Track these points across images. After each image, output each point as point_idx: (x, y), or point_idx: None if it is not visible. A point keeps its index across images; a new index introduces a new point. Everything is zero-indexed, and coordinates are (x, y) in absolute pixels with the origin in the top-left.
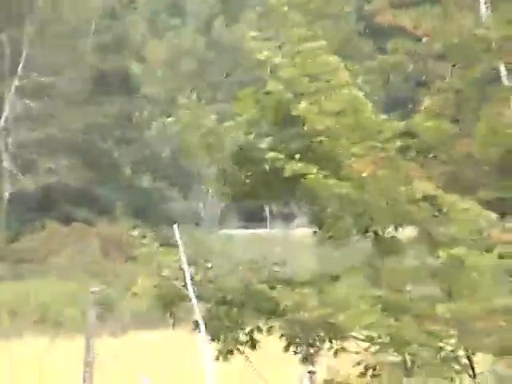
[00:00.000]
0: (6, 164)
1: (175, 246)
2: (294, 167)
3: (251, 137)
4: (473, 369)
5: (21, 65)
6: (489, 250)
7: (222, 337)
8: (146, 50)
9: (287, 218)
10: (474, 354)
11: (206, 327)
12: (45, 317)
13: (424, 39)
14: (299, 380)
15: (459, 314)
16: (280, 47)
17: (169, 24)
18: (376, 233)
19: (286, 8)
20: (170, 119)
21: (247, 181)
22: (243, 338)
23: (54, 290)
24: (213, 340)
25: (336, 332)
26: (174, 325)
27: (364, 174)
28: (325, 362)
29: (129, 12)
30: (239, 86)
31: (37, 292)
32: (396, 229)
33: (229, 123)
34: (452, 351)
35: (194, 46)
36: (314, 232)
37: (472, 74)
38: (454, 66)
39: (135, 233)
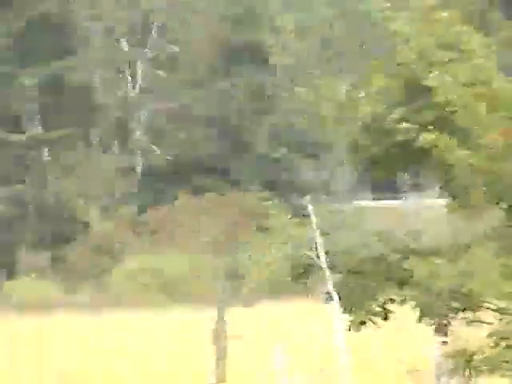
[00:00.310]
0: (138, 136)
1: (307, 216)
2: (427, 138)
3: (383, 108)
4: None
5: (152, 35)
6: None
7: (354, 308)
8: (278, 21)
9: (419, 189)
10: None
11: (338, 298)
12: (174, 290)
13: None
14: (430, 350)
15: None
16: (412, 17)
17: None
18: (509, 203)
19: None
20: (303, 90)
21: (379, 151)
22: (376, 308)
23: (184, 262)
24: (345, 311)
25: (469, 302)
26: (306, 295)
27: (500, 143)
28: (456, 332)
29: None
30: (370, 56)
31: (167, 264)
32: None
33: (360, 94)
34: None
35: (326, 16)
36: (446, 202)
37: None
38: None
39: (267, 203)
